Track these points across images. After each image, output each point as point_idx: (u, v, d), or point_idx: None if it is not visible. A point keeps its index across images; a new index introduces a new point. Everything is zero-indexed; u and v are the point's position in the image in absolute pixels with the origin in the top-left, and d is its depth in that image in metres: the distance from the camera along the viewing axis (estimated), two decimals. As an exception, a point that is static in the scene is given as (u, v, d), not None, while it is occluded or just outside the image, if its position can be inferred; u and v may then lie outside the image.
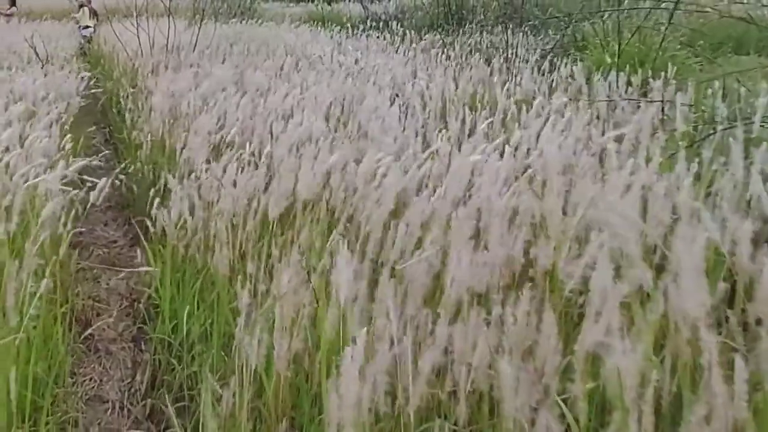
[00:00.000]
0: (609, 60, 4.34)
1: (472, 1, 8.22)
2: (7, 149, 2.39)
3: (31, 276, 1.78)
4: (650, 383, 1.10)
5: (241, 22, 8.09)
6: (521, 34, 5.72)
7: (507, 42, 4.57)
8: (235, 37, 6.17)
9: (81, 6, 9.67)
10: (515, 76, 3.70)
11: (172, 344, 1.99)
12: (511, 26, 5.74)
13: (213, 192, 2.27)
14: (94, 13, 9.58)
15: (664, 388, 1.22)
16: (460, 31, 6.98)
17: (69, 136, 3.04)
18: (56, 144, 2.83)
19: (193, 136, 2.97)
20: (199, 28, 5.36)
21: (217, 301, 1.80)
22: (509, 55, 4.35)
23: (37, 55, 4.92)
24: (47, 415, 1.71)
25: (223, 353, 1.72)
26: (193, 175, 2.57)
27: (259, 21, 8.61)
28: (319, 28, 8.37)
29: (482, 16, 7.21)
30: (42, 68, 4.62)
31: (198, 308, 1.93)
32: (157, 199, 2.74)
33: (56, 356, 1.94)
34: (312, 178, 1.86)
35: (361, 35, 7.60)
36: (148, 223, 2.38)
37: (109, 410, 1.98)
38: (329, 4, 12.89)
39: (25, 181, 2.16)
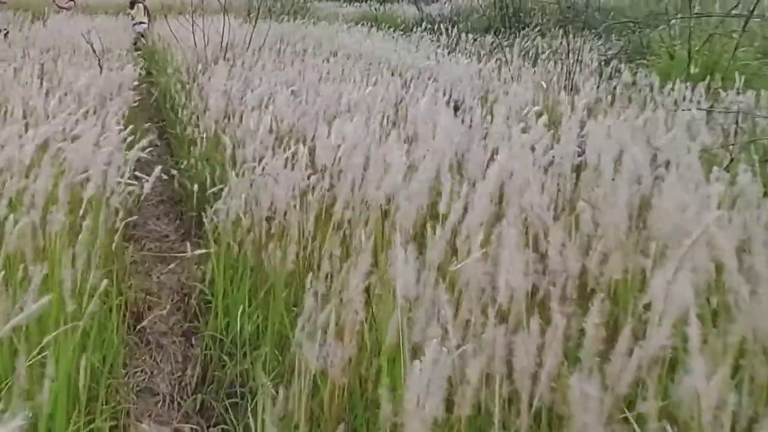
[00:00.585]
0: (678, 68, 4.24)
1: (530, 4, 8.17)
2: (65, 140, 2.52)
3: (90, 266, 1.87)
4: (728, 406, 1.08)
5: (293, 21, 8.24)
6: (582, 39, 5.64)
7: (568, 47, 4.51)
8: (289, 36, 6.29)
9: (134, 2, 10.05)
10: (577, 82, 3.66)
11: (223, 340, 2.04)
12: (571, 30, 5.67)
13: (268, 190, 2.33)
14: (146, 10, 9.95)
15: (741, 411, 1.19)
16: (518, 34, 6.93)
17: (127, 129, 3.16)
18: (114, 138, 2.95)
19: (247, 134, 3.06)
20: (254, 27, 5.49)
21: (272, 300, 1.84)
22: (571, 60, 4.30)
23: (93, 50, 5.13)
24: (102, 404, 1.79)
25: (276, 352, 1.76)
26: (247, 173, 2.64)
27: (313, 20, 8.76)
28: (372, 28, 8.46)
29: (541, 20, 7.14)
30: (99, 63, 4.82)
31: (251, 306, 1.98)
32: (211, 196, 2.83)
33: (111, 347, 2.02)
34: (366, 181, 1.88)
35: (415, 37, 7.65)
36: (204, 218, 2.45)
37: (160, 403, 2.04)
38: (383, 4, 13.01)
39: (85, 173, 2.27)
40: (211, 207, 2.84)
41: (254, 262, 2.16)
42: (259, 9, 5.80)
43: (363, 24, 8.80)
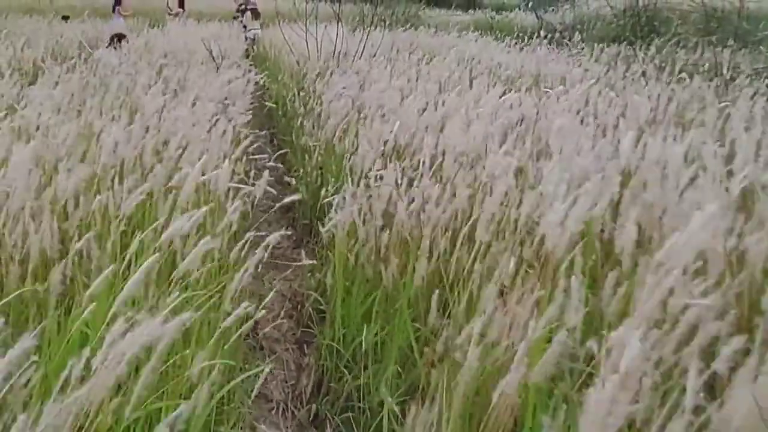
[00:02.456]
0: None
1: (666, 12, 7.86)
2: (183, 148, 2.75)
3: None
4: None
5: (405, 30, 8.45)
6: (729, 50, 5.35)
7: (715, 60, 4.31)
8: (401, 44, 6.46)
9: (241, 9, 10.72)
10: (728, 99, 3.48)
11: (340, 352, 2.13)
12: (714, 41, 5.40)
13: (385, 201, 2.41)
14: (256, 15, 10.58)
15: None
16: (650, 44, 6.70)
17: (243, 136, 3.39)
18: (229, 144, 3.17)
19: (364, 143, 3.18)
20: (367, 35, 5.69)
21: (397, 315, 1.89)
22: (720, 74, 4.09)
23: (212, 56, 5.52)
24: (222, 406, 1.92)
25: (399, 369, 1.82)
26: (363, 183, 2.75)
27: (426, 28, 8.94)
28: (488, 37, 8.50)
29: (678, 29, 6.86)
30: (216, 69, 5.17)
31: (372, 319, 2.05)
32: (325, 205, 2.96)
33: (231, 350, 2.16)
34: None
35: (534, 46, 7.60)
36: (321, 228, 2.57)
37: (274, 410, 2.16)
38: (498, 12, 13.03)
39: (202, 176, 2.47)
40: (326, 216, 2.98)
41: (372, 274, 2.24)
42: (373, 17, 6.02)
43: (477, 32, 8.86)
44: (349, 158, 3.11)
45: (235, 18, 11.76)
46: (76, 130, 2.84)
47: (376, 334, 2.01)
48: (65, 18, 11.26)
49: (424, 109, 3.43)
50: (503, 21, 11.84)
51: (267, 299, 1.97)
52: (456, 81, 4.38)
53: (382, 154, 3.01)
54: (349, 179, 2.77)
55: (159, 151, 2.88)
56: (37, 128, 3.08)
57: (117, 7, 10.07)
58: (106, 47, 7.85)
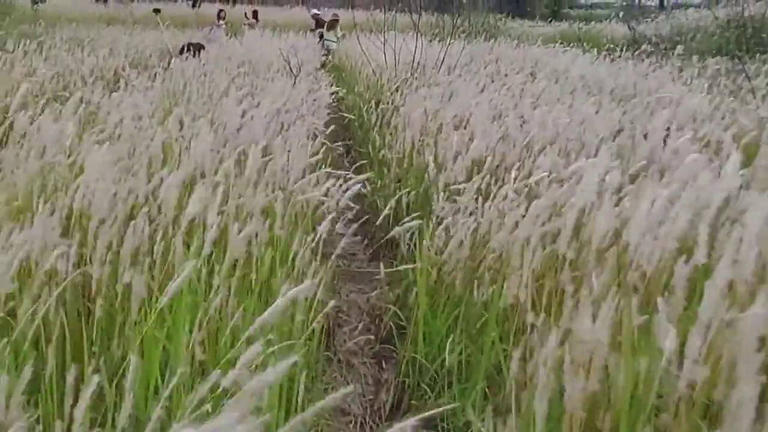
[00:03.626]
0: None
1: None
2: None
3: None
4: None
5: (485, 41, 8.49)
6: None
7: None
8: (481, 56, 6.49)
9: (319, 22, 11.09)
10: None
11: (421, 368, 2.15)
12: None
13: (472, 217, 2.43)
14: (333, 26, 10.90)
15: None
16: (757, 57, 6.45)
17: (323, 147, 3.49)
18: (308, 155, 3.26)
19: (445, 156, 3.21)
20: (447, 46, 5.76)
21: (485, 333, 1.90)
22: None
23: (290, 68, 5.70)
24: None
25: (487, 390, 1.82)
26: (443, 196, 2.78)
27: (507, 40, 8.94)
28: (576, 49, 8.39)
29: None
30: (294, 81, 5.34)
31: (457, 336, 2.07)
32: (403, 216, 3.01)
33: (310, 361, 2.22)
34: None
35: (627, 59, 7.46)
36: (401, 242, 2.62)
37: (351, 423, 2.20)
38: (586, 23, 12.88)
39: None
40: (404, 228, 3.03)
41: (459, 291, 2.26)
42: (453, 27, 6.08)
43: (562, 44, 8.76)
44: (433, 171, 3.15)
45: (312, 30, 12.19)
46: (161, 137, 2.99)
47: (461, 352, 2.03)
48: (156, 11, 11.67)
49: (521, 125, 3.40)
50: (591, 32, 11.65)
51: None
52: (550, 95, 4.33)
53: (470, 168, 3.03)
54: (437, 193, 2.80)
55: (240, 162, 2.99)
56: (119, 136, 3.25)
57: (220, 18, 10.93)
58: (180, 55, 8.22)
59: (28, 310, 1.85)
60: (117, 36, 11.81)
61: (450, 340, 2.02)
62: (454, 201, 2.65)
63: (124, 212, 2.23)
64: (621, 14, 12.18)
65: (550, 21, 15.00)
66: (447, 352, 1.97)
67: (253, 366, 1.70)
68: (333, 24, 10.64)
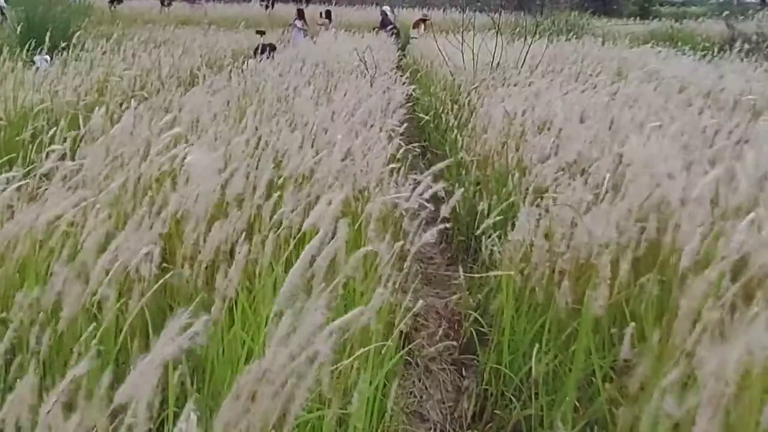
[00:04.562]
0: None
1: None
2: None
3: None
4: None
5: (568, 40, 8.34)
6: None
7: None
8: (565, 56, 6.39)
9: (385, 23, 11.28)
10: None
11: (504, 377, 2.14)
12: None
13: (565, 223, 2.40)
14: (416, 25, 11.08)
15: None
16: None
17: (401, 149, 3.52)
18: (387, 156, 3.29)
19: (531, 160, 3.19)
20: (530, 45, 5.70)
21: (576, 344, 1.88)
22: None
23: (366, 67, 5.77)
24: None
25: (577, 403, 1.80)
26: (529, 201, 2.75)
27: (593, 39, 8.75)
28: (669, 49, 8.10)
29: None
30: (370, 81, 5.40)
31: (542, 345, 2.04)
32: (483, 220, 3.00)
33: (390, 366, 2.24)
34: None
35: (727, 59, 7.15)
36: (488, 249, 2.61)
37: (431, 430, 2.21)
38: (679, 21, 12.45)
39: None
40: (484, 233, 3.02)
41: (545, 298, 2.23)
42: (537, 26, 6.01)
43: (654, 44, 8.48)
44: (517, 175, 3.13)
45: (377, 29, 12.40)
46: (245, 137, 3.09)
47: (549, 362, 2.01)
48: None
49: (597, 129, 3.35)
50: (684, 31, 11.20)
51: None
52: (642, 99, 4.20)
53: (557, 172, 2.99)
54: (521, 197, 2.78)
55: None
56: (198, 135, 3.38)
57: (300, 18, 11.40)
58: (255, 56, 8.45)
59: (114, 305, 1.96)
60: (192, 36, 12.26)
61: (536, 349, 2.00)
62: (539, 206, 2.63)
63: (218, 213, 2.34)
64: (720, 12, 11.65)
65: (638, 19, 14.56)
66: (534, 361, 1.94)
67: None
68: (418, 23, 10.90)
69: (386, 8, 15.32)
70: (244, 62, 7.35)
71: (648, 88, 4.50)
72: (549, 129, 3.58)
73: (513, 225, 2.70)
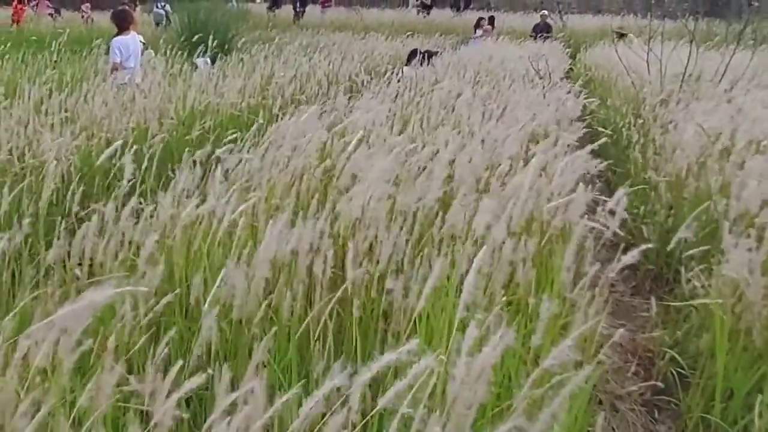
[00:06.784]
0: None
1: None
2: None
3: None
4: None
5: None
6: None
7: None
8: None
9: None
10: None
11: (714, 428, 2.00)
12: None
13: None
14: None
15: None
16: None
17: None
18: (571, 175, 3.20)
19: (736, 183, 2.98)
20: (731, 56, 5.35)
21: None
22: None
23: (538, 75, 5.70)
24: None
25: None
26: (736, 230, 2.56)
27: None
28: None
29: None
30: (544, 92, 5.30)
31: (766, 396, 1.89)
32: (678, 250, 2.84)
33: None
34: None
35: None
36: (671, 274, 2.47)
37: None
38: None
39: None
40: (681, 262, 2.86)
41: (762, 343, 2.07)
42: (740, 34, 5.61)
43: None
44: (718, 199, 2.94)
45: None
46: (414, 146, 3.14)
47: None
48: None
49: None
50: None
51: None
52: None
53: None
54: (725, 225, 2.60)
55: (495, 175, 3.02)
56: (368, 143, 3.47)
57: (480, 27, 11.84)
58: (408, 63, 8.56)
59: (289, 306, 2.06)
60: (348, 41, 12.72)
61: (759, 400, 1.84)
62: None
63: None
64: None
65: None
66: (756, 415, 1.80)
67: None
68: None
69: (545, 12, 15.30)
70: (402, 69, 7.49)
71: None
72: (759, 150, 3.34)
73: (713, 254, 2.55)
